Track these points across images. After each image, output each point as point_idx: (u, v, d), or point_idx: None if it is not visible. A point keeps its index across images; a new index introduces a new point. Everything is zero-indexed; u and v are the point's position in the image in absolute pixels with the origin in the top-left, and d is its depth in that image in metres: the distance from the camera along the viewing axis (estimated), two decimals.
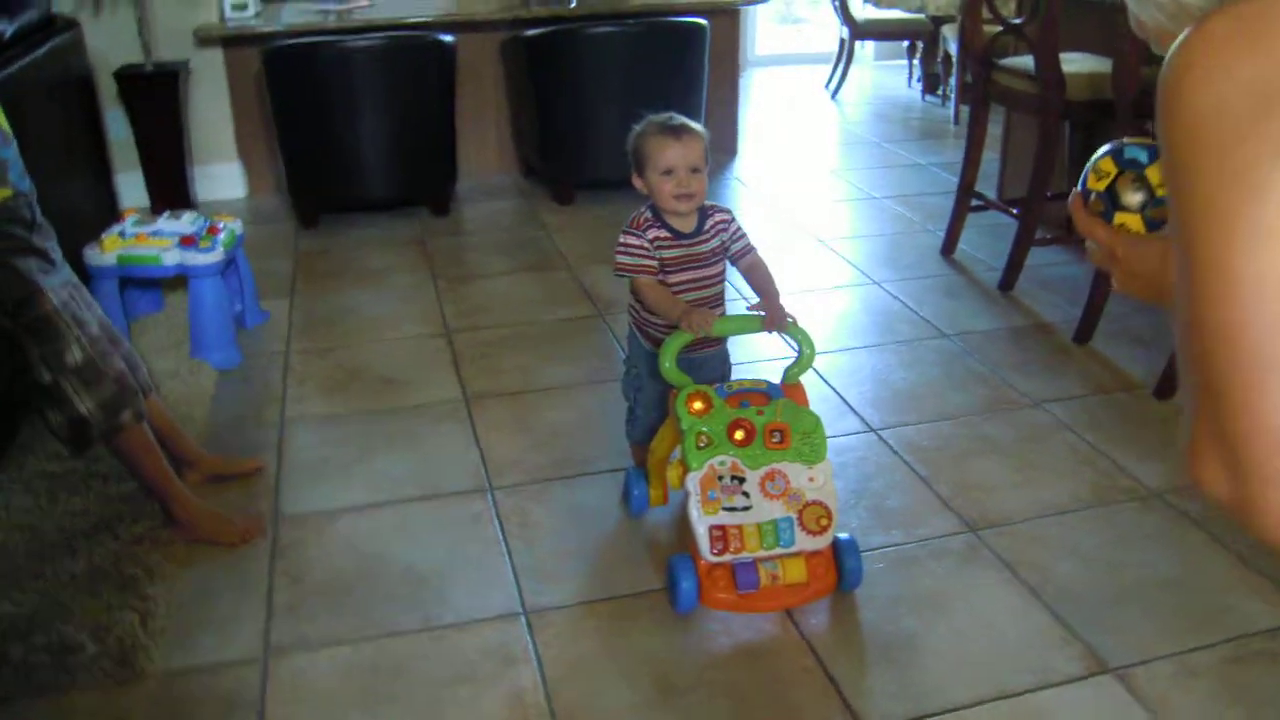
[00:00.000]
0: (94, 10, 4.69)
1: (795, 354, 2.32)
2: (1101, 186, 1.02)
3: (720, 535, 2.15)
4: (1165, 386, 3.04)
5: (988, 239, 4.24)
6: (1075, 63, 3.64)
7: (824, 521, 2.18)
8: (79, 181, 4.08)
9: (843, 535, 2.26)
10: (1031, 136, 3.84)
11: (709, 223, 2.37)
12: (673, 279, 2.35)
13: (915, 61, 7.30)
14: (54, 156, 3.66)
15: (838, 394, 3.10)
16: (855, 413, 3.01)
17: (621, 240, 2.35)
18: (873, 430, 2.92)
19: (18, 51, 3.42)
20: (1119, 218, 1.01)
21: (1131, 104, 3.12)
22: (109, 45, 4.67)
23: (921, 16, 6.70)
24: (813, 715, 1.97)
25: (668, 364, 2.25)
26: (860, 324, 3.64)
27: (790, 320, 2.29)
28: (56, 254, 2.43)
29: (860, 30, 7.11)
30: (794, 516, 2.18)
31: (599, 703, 2.00)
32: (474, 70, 5.14)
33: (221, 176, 5.05)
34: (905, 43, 7.44)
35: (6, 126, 2.36)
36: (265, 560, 2.43)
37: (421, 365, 3.35)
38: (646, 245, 2.33)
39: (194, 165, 4.92)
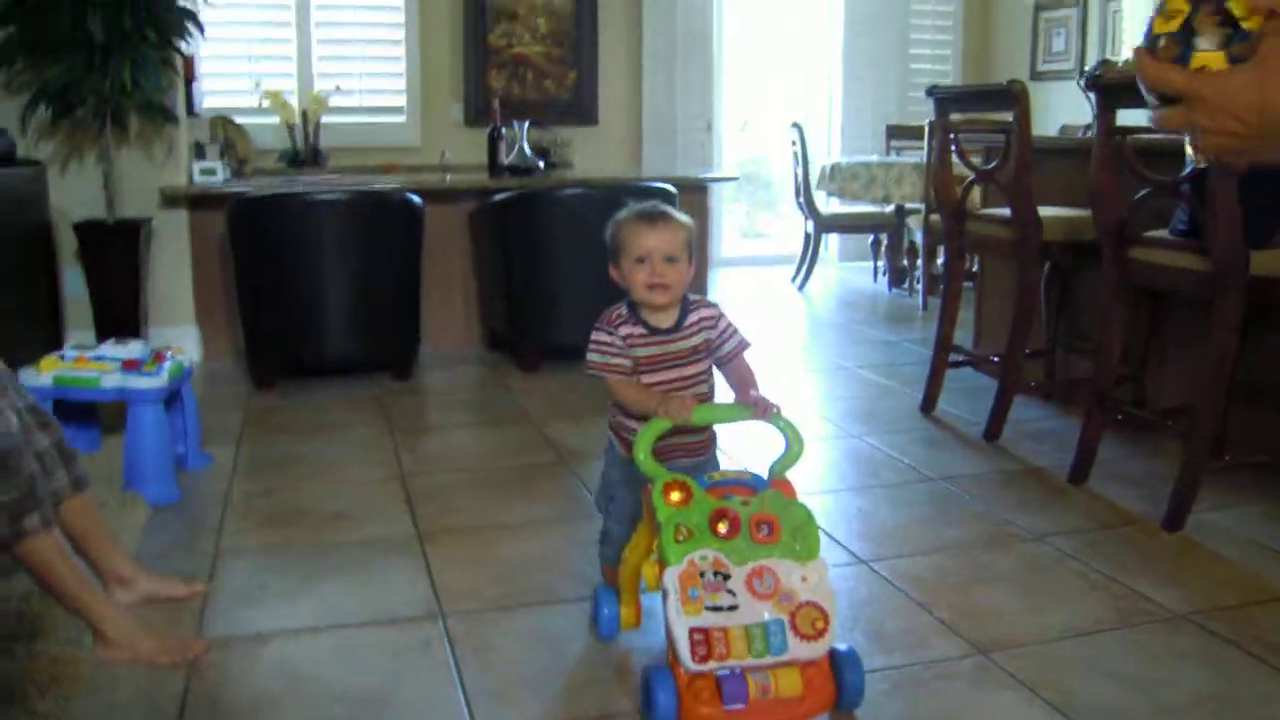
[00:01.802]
0: (62, 166, 4.63)
1: (783, 448, 2.12)
2: (1174, 27, 0.86)
3: (703, 639, 1.88)
4: (1173, 518, 2.84)
5: (967, 397, 4.10)
6: (1049, 210, 3.60)
7: (819, 625, 1.92)
8: (26, 324, 3.91)
9: (841, 646, 2.00)
10: (1007, 292, 3.77)
11: (691, 318, 2.20)
12: (649, 379, 2.16)
13: (880, 260, 7.36)
14: (5, 287, 3.50)
15: (823, 531, 2.86)
16: (843, 546, 2.78)
17: (593, 337, 2.17)
18: (863, 562, 2.68)
19: None
20: (1198, 59, 0.85)
21: (1114, 228, 3.04)
22: (73, 202, 4.60)
23: (887, 210, 6.78)
24: None
25: (643, 454, 2.03)
26: (841, 470, 3.44)
27: (775, 410, 2.10)
28: None
29: (825, 224, 7.19)
30: (785, 619, 1.92)
31: None
32: (442, 242, 5.08)
33: (177, 339, 4.87)
34: (870, 238, 7.52)
35: None
36: (180, 681, 2.12)
37: (373, 504, 3.11)
38: (619, 342, 2.15)
39: (150, 326, 4.75)
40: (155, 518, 2.97)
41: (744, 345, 2.22)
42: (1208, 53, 0.85)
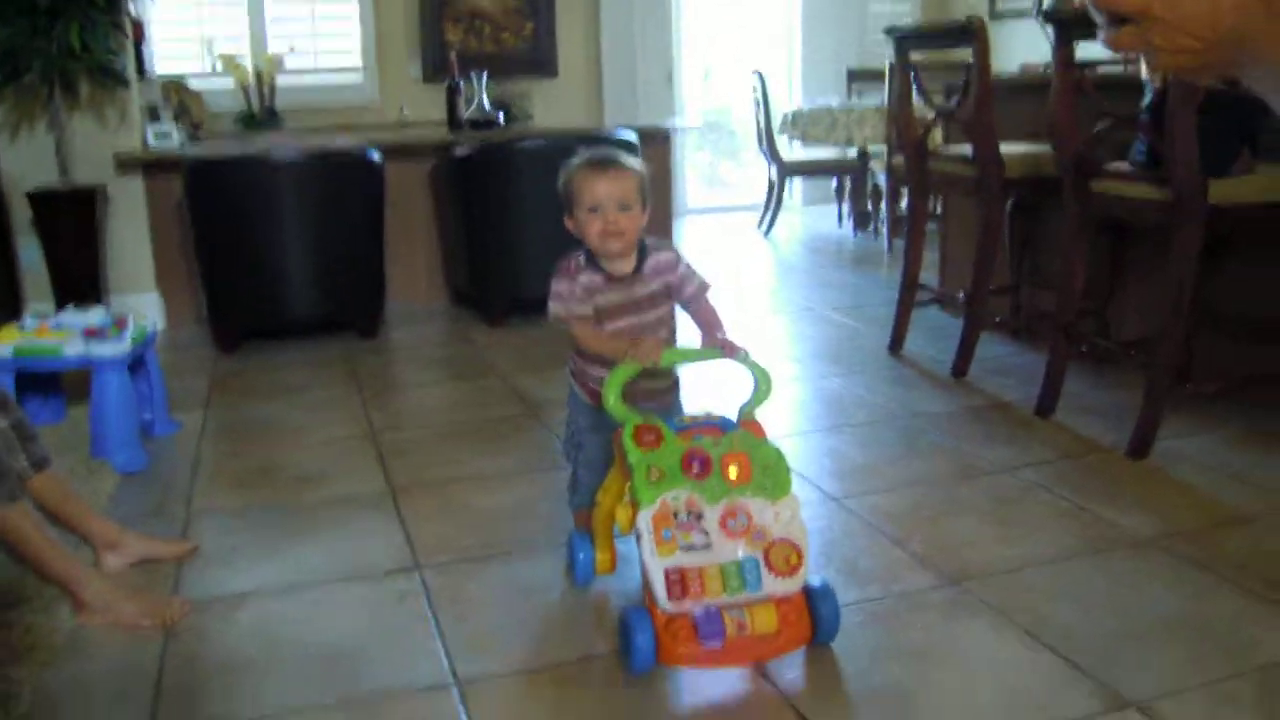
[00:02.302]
0: (12, 134, 4.54)
1: (751, 389, 2.12)
2: None
3: (678, 579, 1.90)
4: (1139, 446, 2.87)
5: (934, 336, 4.12)
6: (1010, 147, 3.60)
7: (793, 560, 1.94)
8: None
9: (814, 580, 2.01)
10: (970, 231, 3.78)
11: (649, 263, 2.18)
12: (610, 326, 2.15)
13: (844, 203, 7.36)
14: None
15: (794, 471, 2.87)
16: (813, 484, 2.79)
17: (552, 287, 2.16)
18: (835, 499, 2.70)
19: None
20: None
21: (1074, 160, 3.05)
22: (25, 170, 4.51)
23: (850, 153, 6.76)
24: None
25: (613, 399, 2.03)
26: (811, 410, 3.46)
27: (743, 351, 2.10)
28: None
29: (788, 169, 7.17)
30: (759, 556, 1.93)
31: None
32: (403, 199, 5.03)
33: (139, 308, 4.80)
34: (833, 182, 7.51)
35: None
36: (156, 645, 2.12)
37: (343, 462, 3.09)
38: (579, 291, 2.13)
39: (110, 295, 4.69)
40: (124, 484, 2.95)
41: (705, 286, 2.21)
42: None
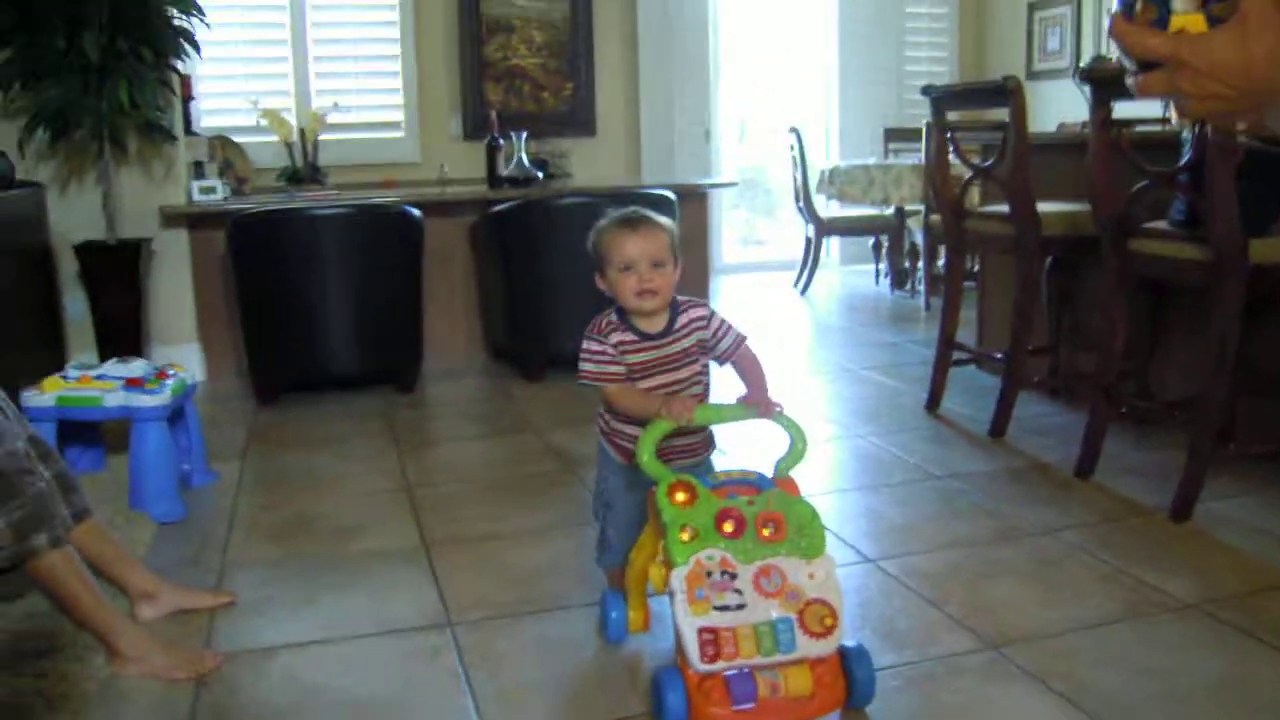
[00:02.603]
0: (61, 188, 4.64)
1: (787, 447, 2.11)
2: None
3: (712, 639, 1.88)
4: (1181, 508, 2.83)
5: (972, 395, 4.09)
6: (1048, 206, 3.59)
7: (828, 622, 1.91)
8: (29, 347, 3.91)
9: (850, 642, 1.99)
10: (1008, 290, 3.76)
11: (681, 320, 2.18)
12: (643, 385, 2.15)
13: (882, 262, 7.35)
14: (7, 309, 3.51)
15: (831, 531, 2.86)
16: (850, 545, 2.77)
17: (584, 347, 2.16)
18: (872, 560, 2.67)
19: None
20: (1176, 21, 0.84)
21: (1112, 219, 3.03)
22: (73, 224, 4.61)
23: (887, 211, 6.77)
24: None
25: (646, 456, 2.02)
26: (847, 469, 3.44)
27: (778, 408, 2.10)
28: None
29: (825, 228, 7.19)
30: (794, 617, 1.91)
31: None
32: (443, 255, 5.09)
33: (180, 359, 4.85)
34: (871, 241, 7.52)
35: None
36: (188, 695, 2.12)
37: (378, 516, 3.10)
38: (610, 350, 2.14)
39: (153, 346, 4.75)
40: (161, 535, 2.97)
41: (741, 338, 2.20)
42: (1186, 14, 0.83)
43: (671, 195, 4.75)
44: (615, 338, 2.14)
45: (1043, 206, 3.52)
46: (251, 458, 3.71)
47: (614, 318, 2.16)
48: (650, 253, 2.10)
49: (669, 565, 1.93)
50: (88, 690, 2.13)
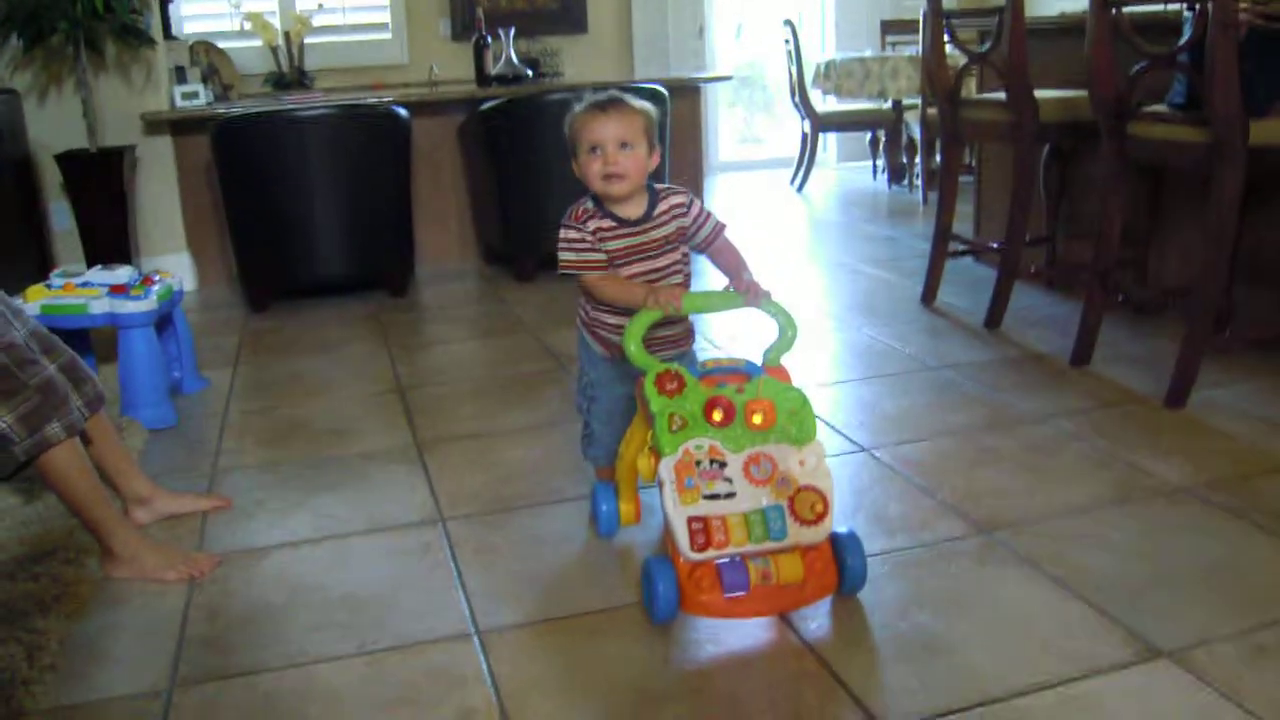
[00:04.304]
0: (40, 97, 4.55)
1: (776, 334, 2.08)
2: None
3: (701, 528, 1.87)
4: (1176, 395, 2.81)
5: (968, 288, 4.06)
6: (1046, 93, 3.52)
7: (819, 509, 1.90)
8: (11, 260, 3.86)
9: (841, 529, 1.98)
10: (1006, 180, 3.70)
11: (661, 207, 2.13)
12: (623, 272, 2.10)
13: (879, 157, 7.26)
14: None
15: (822, 421, 2.84)
16: (844, 435, 2.76)
17: (561, 236, 2.11)
18: (865, 449, 2.66)
19: None
20: None
21: (1111, 103, 2.96)
22: (54, 133, 4.52)
23: (884, 105, 6.66)
24: (824, 718, 1.66)
25: (633, 346, 1.99)
26: (842, 361, 3.41)
27: (766, 294, 2.06)
28: None
29: (822, 123, 7.08)
30: (784, 505, 1.90)
31: (565, 718, 1.69)
32: (433, 157, 5.01)
33: (169, 268, 4.82)
34: (868, 136, 7.41)
35: None
36: (181, 596, 2.12)
37: (370, 417, 3.09)
38: (589, 237, 2.09)
39: (141, 257, 4.70)
40: (152, 441, 2.96)
41: (721, 226, 2.17)
42: None
43: (663, 90, 4.66)
44: (593, 224, 2.09)
45: (1040, 93, 3.45)
46: (243, 364, 3.69)
47: (590, 205, 2.12)
48: (618, 134, 2.05)
49: (657, 455, 1.91)
50: (82, 593, 2.14)
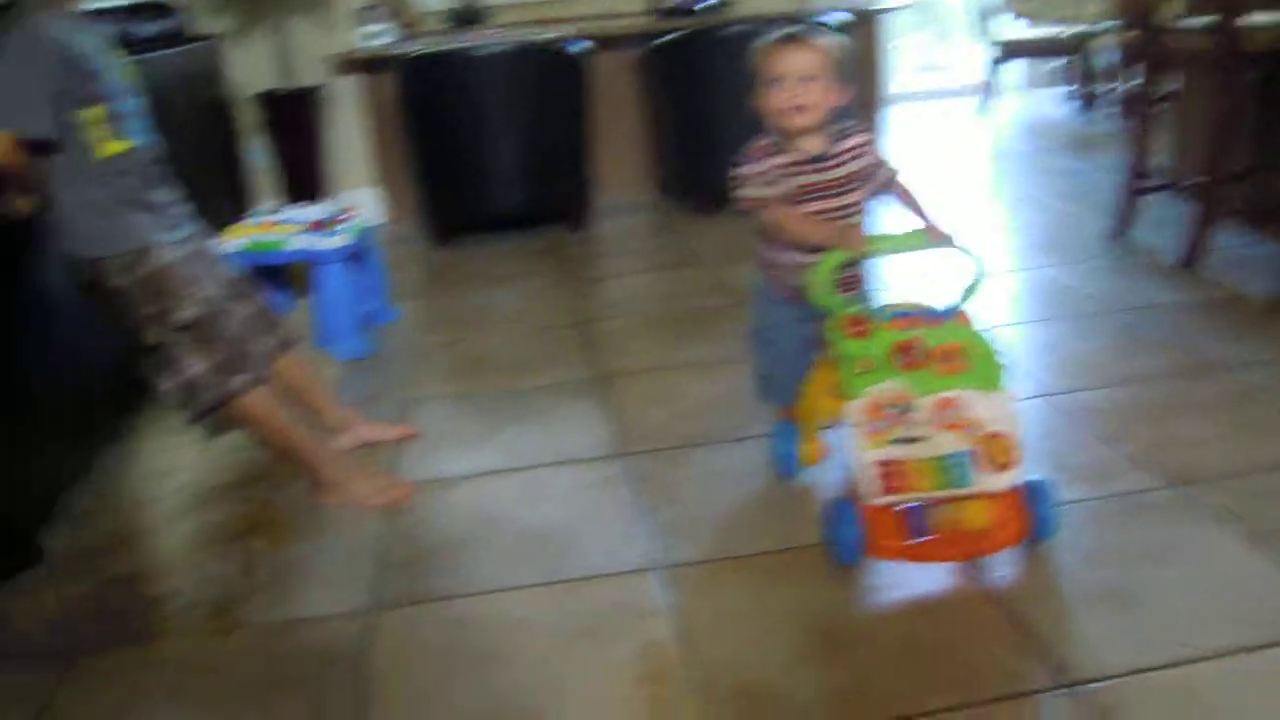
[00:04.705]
0: (236, 41, 4.74)
1: (963, 277, 2.03)
2: None
3: (887, 472, 1.86)
4: None
5: (1163, 225, 3.85)
6: (1257, 17, 3.30)
7: (1008, 456, 1.87)
8: (216, 194, 4.06)
9: (1030, 476, 1.94)
10: (1208, 110, 3.50)
11: (844, 144, 2.09)
12: (804, 209, 2.07)
13: (1069, 86, 6.94)
14: (194, 160, 3.64)
15: (1007, 364, 2.77)
16: (1027, 379, 2.68)
17: (741, 171, 2.09)
18: (1049, 395, 2.60)
19: (153, 51, 3.42)
20: None
21: None
22: (250, 75, 4.71)
23: (1077, 29, 6.36)
24: (1007, 666, 1.65)
25: (820, 287, 1.98)
26: (1025, 301, 3.32)
27: (953, 237, 2.02)
28: (179, 211, 2.31)
29: (1009, 49, 6.81)
30: (972, 451, 1.87)
31: (746, 656, 1.73)
32: (609, 90, 5.02)
33: (359, 202, 4.99)
34: (1058, 62, 7.09)
35: (133, 82, 2.26)
36: (380, 522, 2.24)
37: (553, 351, 3.16)
38: (770, 173, 2.07)
39: (333, 191, 4.89)
40: (346, 371, 3.10)
41: (895, 171, 2.13)
42: None
43: (840, 19, 4.56)
44: (773, 160, 2.07)
45: (1251, 18, 3.24)
46: (430, 297, 3.82)
47: (770, 141, 2.10)
48: (800, 68, 2.01)
49: (844, 398, 1.91)
50: (286, 517, 2.28)
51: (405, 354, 3.24)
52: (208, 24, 4.66)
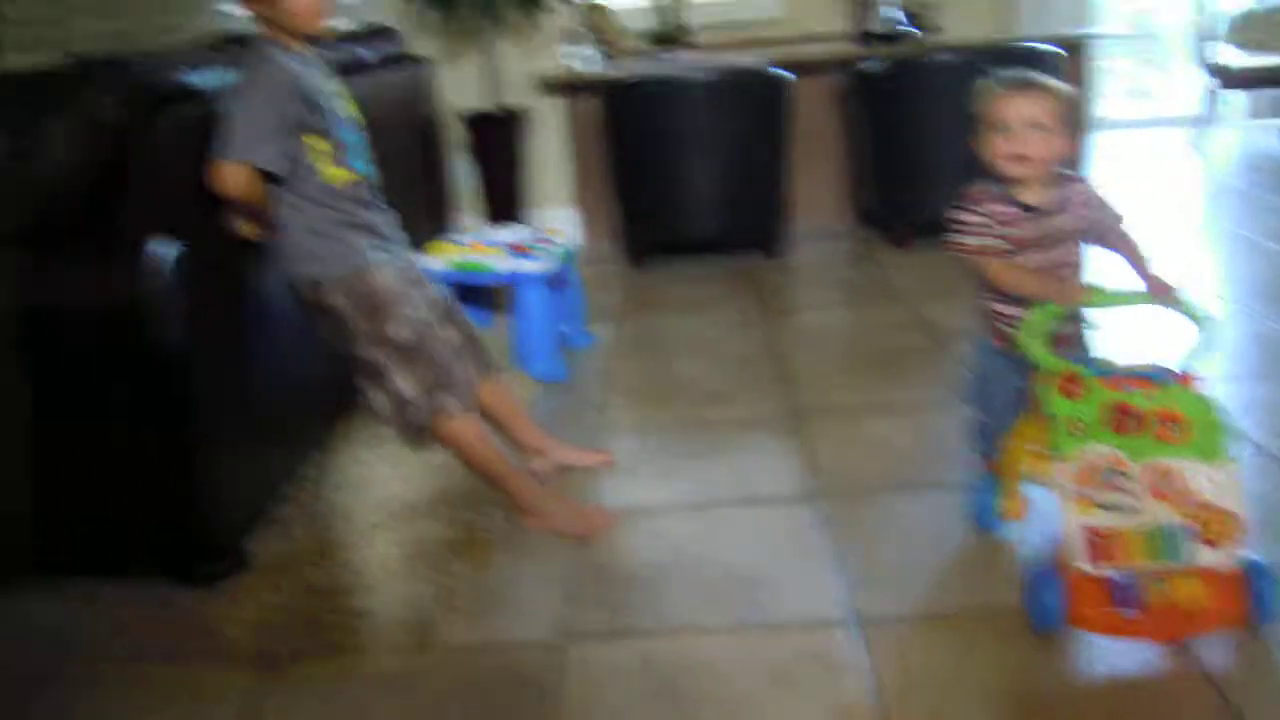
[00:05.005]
0: (446, 61, 4.91)
1: (1188, 336, 1.94)
2: None
3: (1096, 540, 1.80)
4: None
5: None
6: None
7: (1229, 531, 1.78)
8: (422, 211, 4.21)
9: (1252, 555, 1.84)
10: None
11: (1066, 195, 2.03)
12: (1020, 261, 2.02)
13: None
14: (403, 177, 3.79)
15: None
16: (1247, 439, 2.54)
17: (959, 217, 2.05)
18: (1271, 457, 2.45)
19: (375, 74, 3.58)
20: None
21: None
22: (457, 95, 4.88)
23: None
24: None
25: (1034, 343, 1.92)
26: (1244, 354, 3.14)
27: (1176, 292, 1.93)
28: (393, 234, 2.41)
29: (1231, 79, 6.47)
30: (1190, 524, 1.79)
31: None
32: (810, 116, 4.99)
33: (557, 221, 5.10)
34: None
35: (356, 114, 2.37)
36: (574, 550, 2.27)
37: (746, 382, 3.16)
38: (988, 221, 2.02)
39: (531, 209, 5.01)
40: (542, 393, 3.16)
41: (1119, 218, 2.05)
42: None
43: (1055, 49, 4.42)
44: (993, 208, 2.03)
45: None
46: (625, 320, 3.86)
47: (991, 187, 2.05)
48: (1029, 116, 1.97)
49: (1054, 459, 1.85)
50: (482, 540, 2.34)
51: (599, 378, 3.29)
52: (422, 46, 4.84)
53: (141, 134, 2.13)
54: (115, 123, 2.13)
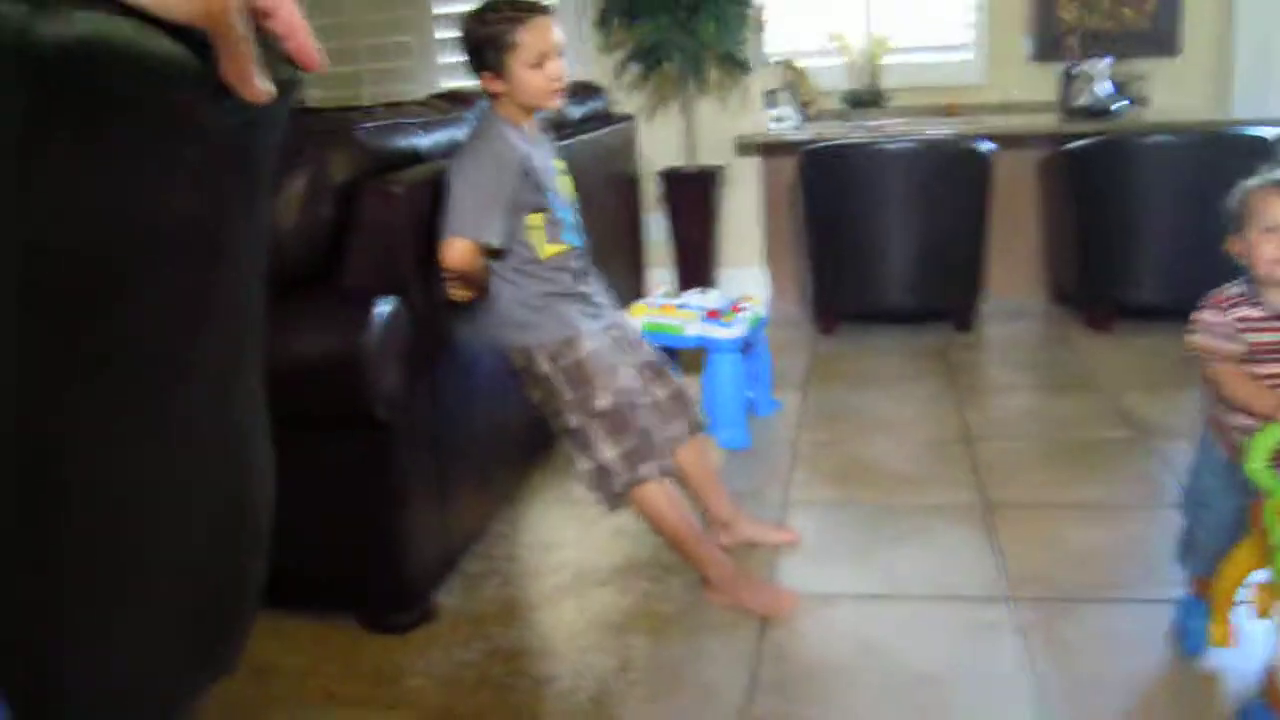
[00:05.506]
0: (647, 118, 5.01)
1: None
2: None
3: None
4: None
5: None
6: None
7: None
8: (618, 265, 4.29)
9: None
10: None
11: None
12: (1261, 370, 1.93)
13: None
14: (601, 232, 3.87)
15: None
16: None
17: (1200, 316, 1.97)
18: None
19: (582, 131, 3.67)
20: None
21: None
22: (656, 151, 4.96)
23: None
24: None
25: (1257, 464, 1.83)
26: None
27: None
28: (603, 300, 2.47)
29: None
30: None
31: None
32: (1007, 187, 4.90)
33: (746, 281, 5.12)
34: None
35: (571, 192, 2.45)
36: (755, 632, 2.26)
37: (936, 467, 3.09)
38: (1229, 325, 1.94)
39: (720, 268, 5.05)
40: (727, 462, 3.17)
41: None
42: None
43: (1271, 135, 4.22)
44: (1239, 313, 1.95)
45: None
46: (812, 390, 3.84)
47: (1239, 290, 1.97)
48: None
49: (1274, 594, 1.76)
50: (665, 612, 2.35)
51: (784, 449, 3.27)
52: (623, 102, 4.95)
53: (366, 195, 2.24)
54: (344, 184, 2.24)
